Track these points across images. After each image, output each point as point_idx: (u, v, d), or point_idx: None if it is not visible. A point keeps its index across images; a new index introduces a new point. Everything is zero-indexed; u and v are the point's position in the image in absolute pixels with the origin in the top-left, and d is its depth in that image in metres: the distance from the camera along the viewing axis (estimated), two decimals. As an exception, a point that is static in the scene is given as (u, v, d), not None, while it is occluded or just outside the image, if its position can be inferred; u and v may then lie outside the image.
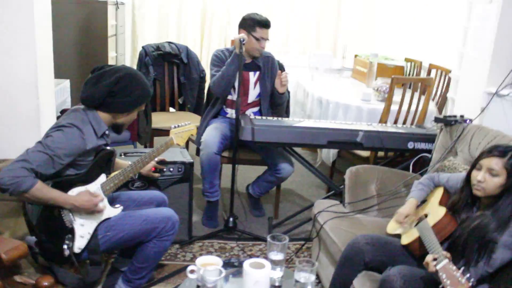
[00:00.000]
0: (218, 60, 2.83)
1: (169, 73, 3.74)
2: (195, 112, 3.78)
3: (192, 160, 2.54)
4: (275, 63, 2.95)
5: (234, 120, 2.59)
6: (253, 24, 2.72)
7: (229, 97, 2.90)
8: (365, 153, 3.06)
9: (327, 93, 3.46)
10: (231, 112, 2.92)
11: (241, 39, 2.56)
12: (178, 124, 2.15)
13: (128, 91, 1.84)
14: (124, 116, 1.91)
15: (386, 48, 4.71)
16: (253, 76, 2.88)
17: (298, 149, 3.06)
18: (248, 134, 2.49)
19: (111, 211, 1.90)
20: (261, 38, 2.73)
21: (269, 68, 2.90)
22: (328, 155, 3.36)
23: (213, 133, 2.77)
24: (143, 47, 3.62)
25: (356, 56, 4.42)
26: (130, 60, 4.88)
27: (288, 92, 3.04)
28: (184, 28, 5.02)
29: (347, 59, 4.56)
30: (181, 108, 3.84)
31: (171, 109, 3.90)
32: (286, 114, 3.24)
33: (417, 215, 1.84)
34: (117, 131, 1.94)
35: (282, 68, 3.20)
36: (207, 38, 5.12)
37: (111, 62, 4.28)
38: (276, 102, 2.90)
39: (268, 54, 2.93)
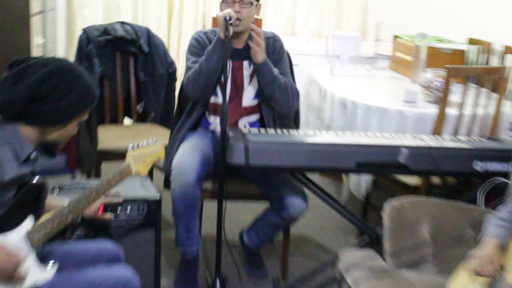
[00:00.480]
0: (198, 46, 2.89)
1: (122, 68, 3.79)
2: (162, 124, 3.82)
3: (158, 196, 2.55)
4: (282, 47, 2.99)
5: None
6: None
7: (213, 99, 2.93)
8: (412, 180, 3.07)
9: (354, 93, 3.50)
10: (215, 122, 2.96)
11: (226, 17, 2.61)
12: (138, 144, 2.17)
13: (61, 93, 1.86)
14: (57, 131, 1.93)
15: (438, 25, 4.76)
16: (247, 68, 2.92)
17: (314, 176, 3.06)
18: (239, 155, 2.48)
19: (39, 275, 1.89)
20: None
21: (273, 55, 2.93)
22: (359, 184, 3.37)
23: (190, 155, 2.79)
24: (84, 30, 3.69)
25: (396, 38, 4.48)
26: (64, 49, 4.94)
27: (296, 99, 3.02)
28: (144, 2, 5.10)
29: (383, 42, 4.61)
30: (142, 118, 3.89)
31: (127, 121, 3.94)
32: (295, 124, 3.27)
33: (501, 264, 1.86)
34: (49, 153, 1.96)
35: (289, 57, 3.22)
36: (177, 16, 5.20)
37: (36, 52, 4.31)
38: (264, 90, 2.87)
39: (271, 35, 2.99)
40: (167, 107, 3.85)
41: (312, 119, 3.98)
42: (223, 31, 2.65)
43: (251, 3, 2.81)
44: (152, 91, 3.81)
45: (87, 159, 3.42)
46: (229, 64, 2.85)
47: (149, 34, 3.81)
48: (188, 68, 2.86)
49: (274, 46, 2.95)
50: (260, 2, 2.90)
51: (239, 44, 2.90)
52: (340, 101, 3.48)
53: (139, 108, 3.88)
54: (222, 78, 2.65)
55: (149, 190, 2.60)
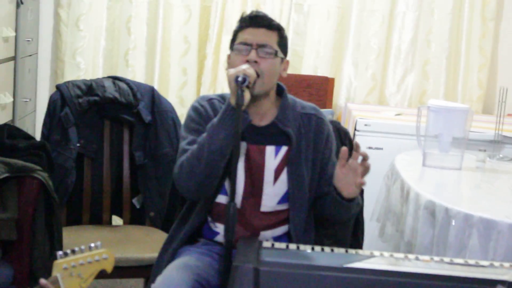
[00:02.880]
0: (198, 119, 2.91)
1: (112, 144, 3.87)
2: (166, 229, 3.79)
3: None
4: (324, 127, 3.00)
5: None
6: (235, 30, 2.91)
7: (220, 199, 2.94)
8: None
9: (448, 195, 3.50)
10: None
11: (239, 78, 2.65)
12: (73, 249, 2.19)
13: None
14: None
15: None
16: (272, 156, 2.93)
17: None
18: (245, 282, 2.47)
19: None
20: (245, 44, 2.83)
21: (310, 140, 2.95)
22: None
23: (178, 278, 2.77)
24: (58, 88, 3.81)
25: (529, 112, 4.39)
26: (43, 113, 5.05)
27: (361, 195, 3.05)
28: (163, 49, 5.23)
29: (508, 119, 4.55)
30: (138, 218, 3.93)
31: (116, 220, 3.99)
32: (355, 239, 3.28)
33: None
34: None
35: (346, 140, 3.28)
36: (211, 69, 5.29)
37: (3, 117, 4.45)
38: (333, 218, 2.96)
39: (311, 111, 3.01)
40: (174, 203, 3.85)
41: (391, 231, 3.90)
42: (235, 97, 2.67)
43: (275, 54, 2.84)
44: (153, 179, 3.86)
45: (45, 273, 3.41)
46: (243, 146, 2.87)
47: (153, 95, 3.88)
48: (182, 151, 2.86)
49: (318, 130, 2.97)
50: (289, 59, 2.97)
51: (259, 120, 2.91)
52: (427, 207, 3.42)
53: (136, 203, 3.91)
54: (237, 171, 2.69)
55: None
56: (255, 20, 2.87)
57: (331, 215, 2.93)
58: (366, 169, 2.77)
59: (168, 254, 2.97)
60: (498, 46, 5.45)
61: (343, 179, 2.80)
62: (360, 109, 5.07)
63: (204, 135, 2.79)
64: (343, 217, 2.92)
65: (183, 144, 2.88)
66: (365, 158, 2.76)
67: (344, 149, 2.78)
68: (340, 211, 2.88)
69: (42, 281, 2.13)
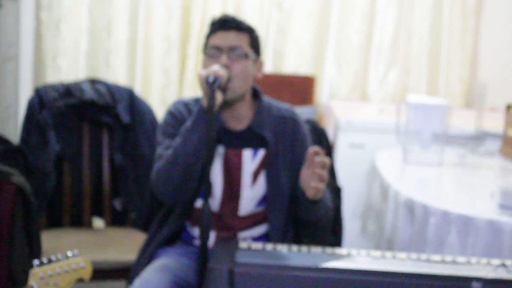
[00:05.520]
0: (174, 123, 2.92)
1: (91, 146, 3.87)
2: (146, 230, 3.78)
3: None
4: (300, 129, 3.01)
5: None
6: (207, 35, 2.93)
7: (198, 204, 2.94)
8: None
9: (427, 192, 3.55)
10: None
11: (209, 78, 2.66)
12: (50, 258, 2.16)
13: None
14: None
15: None
16: (250, 159, 2.95)
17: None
18: (220, 283, 2.51)
19: None
20: (215, 47, 2.85)
21: (287, 143, 2.96)
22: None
23: (156, 280, 2.78)
24: (36, 91, 3.81)
25: (509, 107, 4.37)
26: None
27: (336, 192, 3.03)
28: (146, 47, 5.22)
29: (491, 114, 4.57)
30: (118, 219, 3.93)
31: (97, 222, 4.01)
32: (335, 237, 3.30)
33: None
34: None
35: (323, 139, 3.28)
36: (193, 70, 5.26)
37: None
38: (302, 219, 2.95)
39: (287, 114, 3.01)
40: (154, 204, 3.83)
41: (372, 228, 3.93)
42: (207, 98, 2.69)
43: (246, 55, 2.85)
44: (133, 181, 3.87)
45: (23, 276, 3.41)
46: (221, 150, 2.89)
47: (132, 97, 3.89)
48: (158, 157, 2.87)
49: (294, 132, 2.98)
50: (261, 59, 2.97)
51: (236, 123, 2.92)
52: (406, 204, 3.46)
53: (117, 204, 3.91)
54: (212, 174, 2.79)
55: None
56: (224, 24, 2.88)
57: (301, 216, 2.92)
58: (319, 172, 2.73)
59: (146, 256, 2.99)
60: (479, 41, 5.46)
61: (307, 181, 2.78)
62: (342, 106, 5.10)
63: (178, 139, 2.80)
64: (311, 218, 2.90)
65: (159, 149, 2.90)
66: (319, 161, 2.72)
67: (311, 151, 2.76)
68: (307, 212, 2.87)
69: None
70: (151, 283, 2.76)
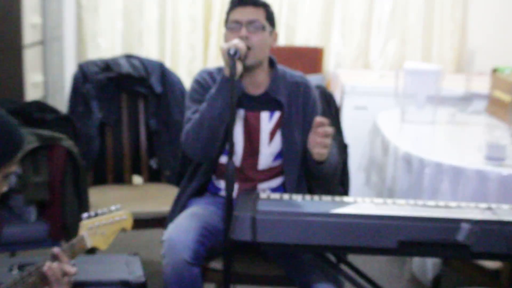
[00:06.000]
0: (200, 90, 2.94)
1: (129, 113, 3.91)
2: (178, 184, 3.84)
3: (143, 279, 2.57)
4: (311, 94, 3.01)
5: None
6: (227, 11, 2.91)
7: (223, 159, 2.96)
8: (491, 263, 3.01)
9: (423, 147, 3.54)
10: (227, 187, 2.97)
11: (231, 51, 2.67)
12: (96, 212, 2.24)
13: None
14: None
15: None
16: (267, 121, 2.96)
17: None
18: (244, 229, 2.48)
19: None
20: (235, 22, 2.85)
21: (300, 106, 2.97)
22: (424, 266, 3.32)
23: (187, 225, 2.82)
24: (79, 66, 3.86)
25: (494, 72, 4.38)
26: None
27: (343, 149, 3.06)
28: (173, 28, 5.27)
29: (478, 78, 4.58)
30: (155, 176, 3.97)
31: (136, 179, 4.03)
32: (343, 187, 3.32)
33: None
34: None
35: (331, 102, 3.29)
36: (216, 45, 5.28)
37: (33, 93, 4.49)
38: (312, 174, 2.97)
39: (299, 79, 3.02)
40: (185, 162, 3.88)
41: (375, 179, 3.94)
42: (229, 68, 2.69)
43: (263, 28, 2.86)
44: (167, 142, 3.90)
45: (76, 227, 3.46)
46: (241, 113, 2.91)
47: (163, 70, 3.92)
48: (187, 120, 2.91)
49: (306, 97, 2.97)
50: (276, 31, 2.96)
51: (254, 89, 2.94)
52: (404, 157, 3.47)
53: (153, 163, 3.95)
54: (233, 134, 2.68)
55: (133, 271, 2.61)
56: (242, 0, 2.88)
57: (311, 171, 2.95)
58: (320, 141, 2.74)
59: (178, 206, 3.01)
60: (468, 14, 5.41)
61: (312, 146, 2.79)
62: (347, 74, 5.05)
63: (204, 104, 2.81)
64: (319, 174, 2.92)
65: (188, 113, 2.91)
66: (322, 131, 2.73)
67: (317, 120, 2.75)
68: (315, 170, 2.90)
69: (56, 249, 2.12)
70: (183, 227, 2.79)
